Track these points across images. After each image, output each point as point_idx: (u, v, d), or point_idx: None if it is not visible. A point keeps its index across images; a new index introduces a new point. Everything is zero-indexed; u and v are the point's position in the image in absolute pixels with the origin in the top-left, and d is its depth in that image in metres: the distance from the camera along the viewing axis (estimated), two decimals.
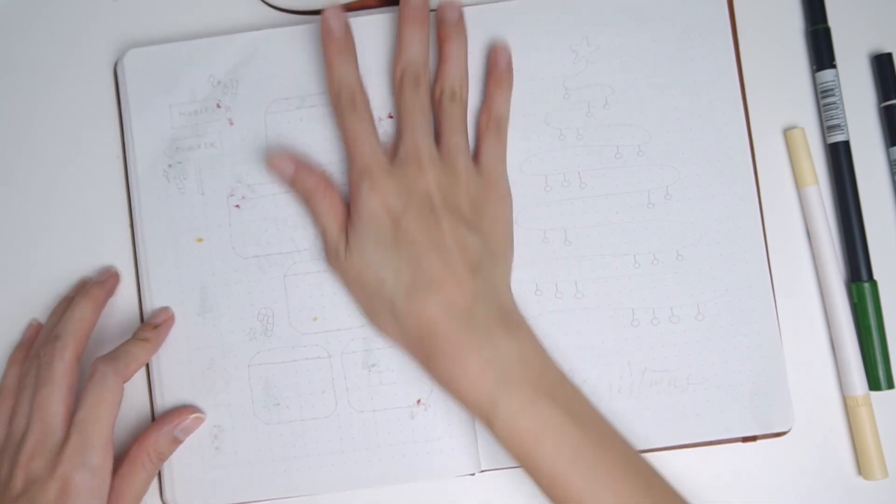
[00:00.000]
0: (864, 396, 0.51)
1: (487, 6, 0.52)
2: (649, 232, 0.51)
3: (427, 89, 0.49)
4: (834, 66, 0.53)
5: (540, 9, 0.52)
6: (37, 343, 0.50)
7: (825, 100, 0.53)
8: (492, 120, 0.50)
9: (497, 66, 0.51)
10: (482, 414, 0.45)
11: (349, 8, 0.53)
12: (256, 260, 0.51)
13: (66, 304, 0.51)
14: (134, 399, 0.52)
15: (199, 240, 0.51)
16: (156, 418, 0.51)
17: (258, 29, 0.53)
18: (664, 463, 0.51)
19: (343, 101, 0.48)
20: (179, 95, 0.52)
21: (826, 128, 0.53)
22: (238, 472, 0.50)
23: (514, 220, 0.51)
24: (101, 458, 0.45)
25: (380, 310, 0.47)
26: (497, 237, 0.49)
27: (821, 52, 0.53)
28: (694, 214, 0.52)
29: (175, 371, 0.51)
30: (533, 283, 0.51)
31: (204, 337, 0.51)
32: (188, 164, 0.52)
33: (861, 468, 0.51)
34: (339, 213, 0.49)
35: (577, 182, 0.52)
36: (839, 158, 0.52)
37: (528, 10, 0.52)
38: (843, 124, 0.52)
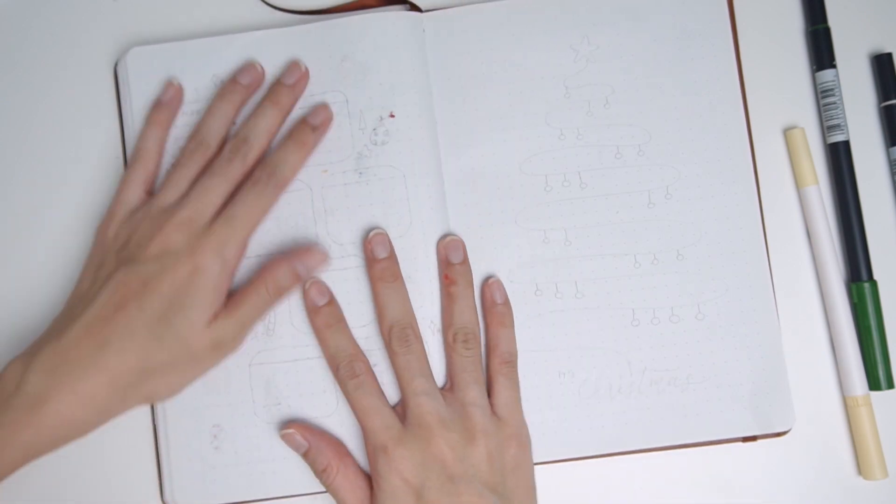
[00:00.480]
0: (864, 396, 0.51)
1: (485, 5, 0.52)
2: (649, 232, 0.52)
3: (419, 342, 0.49)
4: (834, 66, 0.53)
5: (538, 8, 0.52)
6: (205, 129, 0.50)
7: (825, 100, 0.53)
8: (503, 362, 0.49)
9: (496, 304, 0.50)
10: None
11: (348, 8, 0.54)
12: (259, 259, 0.51)
13: (240, 92, 0.50)
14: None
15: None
16: (291, 251, 0.50)
17: (257, 29, 0.53)
18: (664, 463, 0.51)
19: (343, 372, 0.49)
20: (184, 94, 0.52)
21: (826, 128, 0.53)
22: (238, 471, 0.50)
23: (514, 219, 0.51)
24: (235, 253, 0.47)
25: None
26: (520, 492, 0.48)
27: (821, 52, 0.53)
28: (694, 214, 0.52)
29: None
30: (533, 284, 0.51)
31: None
32: None
33: (861, 468, 0.51)
34: (356, 488, 0.48)
35: (577, 182, 0.52)
36: (839, 158, 0.53)
37: (527, 9, 0.52)
38: (843, 124, 0.52)
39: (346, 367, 0.49)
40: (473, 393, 0.48)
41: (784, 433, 0.51)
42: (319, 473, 0.49)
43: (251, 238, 0.49)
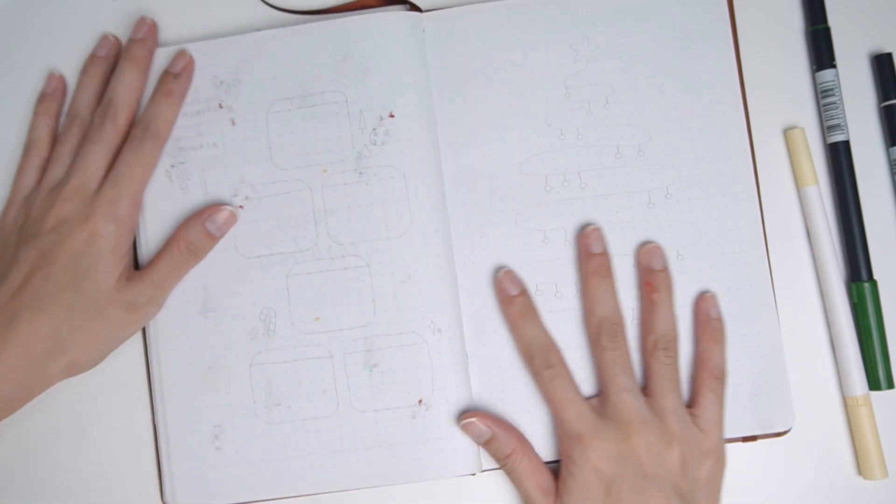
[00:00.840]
0: (864, 396, 0.51)
1: (485, 5, 0.52)
2: (649, 232, 0.52)
3: (626, 340, 0.49)
4: (834, 66, 0.53)
5: (538, 8, 0.52)
6: (77, 103, 0.51)
7: (825, 100, 0.53)
8: (713, 377, 0.49)
9: (711, 319, 0.50)
10: None
11: (348, 8, 0.54)
12: (259, 260, 0.51)
13: (100, 64, 0.52)
14: (134, 401, 0.52)
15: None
16: (199, 210, 0.51)
17: (258, 29, 0.53)
18: None
19: (538, 363, 0.49)
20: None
21: (826, 128, 0.53)
22: (239, 471, 0.50)
23: (514, 219, 0.51)
24: (128, 211, 0.49)
25: None
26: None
27: (821, 51, 0.53)
28: (694, 214, 0.52)
29: (176, 371, 0.51)
30: (533, 283, 0.51)
31: (206, 336, 0.51)
32: (191, 165, 0.52)
33: (861, 468, 0.51)
34: (540, 477, 0.48)
35: (577, 182, 0.52)
36: (839, 158, 0.53)
37: (526, 9, 0.52)
38: (843, 124, 0.52)
39: (540, 357, 0.49)
40: (673, 400, 0.48)
41: (784, 433, 0.51)
42: (504, 459, 0.49)
43: (145, 194, 0.51)
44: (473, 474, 0.51)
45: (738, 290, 0.51)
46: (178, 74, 0.51)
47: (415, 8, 0.53)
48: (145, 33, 0.52)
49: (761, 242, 0.52)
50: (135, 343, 0.52)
